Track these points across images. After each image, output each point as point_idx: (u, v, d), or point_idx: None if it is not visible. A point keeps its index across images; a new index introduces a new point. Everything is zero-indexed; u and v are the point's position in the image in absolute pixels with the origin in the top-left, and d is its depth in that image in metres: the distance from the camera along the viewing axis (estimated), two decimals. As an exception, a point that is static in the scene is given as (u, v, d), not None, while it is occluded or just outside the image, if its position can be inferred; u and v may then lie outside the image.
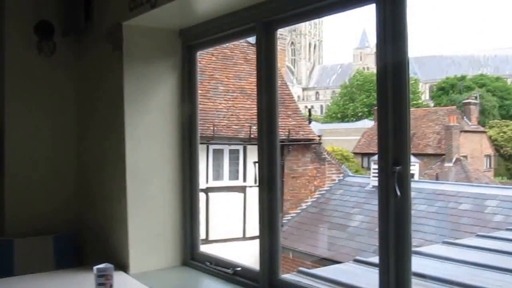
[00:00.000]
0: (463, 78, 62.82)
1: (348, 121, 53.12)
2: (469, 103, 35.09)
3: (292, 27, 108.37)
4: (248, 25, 3.45)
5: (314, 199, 16.67)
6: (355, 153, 32.64)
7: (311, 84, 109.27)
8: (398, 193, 2.47)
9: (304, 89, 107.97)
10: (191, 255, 4.09)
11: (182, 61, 4.13)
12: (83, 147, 4.59)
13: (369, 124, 39.05)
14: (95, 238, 4.33)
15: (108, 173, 4.18)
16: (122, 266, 3.79)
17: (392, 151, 2.51)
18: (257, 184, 3.46)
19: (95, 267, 3.08)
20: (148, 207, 3.95)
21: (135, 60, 3.91)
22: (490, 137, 37.57)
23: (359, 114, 56.08)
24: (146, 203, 3.94)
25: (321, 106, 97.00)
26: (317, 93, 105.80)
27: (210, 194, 14.85)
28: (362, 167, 31.59)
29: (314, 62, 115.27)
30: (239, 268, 3.55)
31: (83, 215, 4.52)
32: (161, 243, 4.02)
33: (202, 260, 3.94)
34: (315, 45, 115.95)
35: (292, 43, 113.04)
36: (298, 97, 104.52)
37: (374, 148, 30.93)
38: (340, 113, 58.49)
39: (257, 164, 3.45)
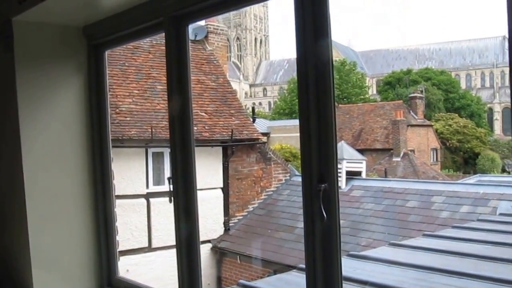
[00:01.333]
0: (409, 72, 63.89)
1: (296, 117, 52.61)
2: (415, 97, 35.58)
3: (237, 21, 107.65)
4: (156, 20, 3.17)
5: (261, 201, 16.29)
6: (304, 150, 32.40)
7: (258, 81, 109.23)
8: (325, 215, 2.28)
9: (251, 86, 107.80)
10: (108, 281, 3.77)
11: (88, 62, 3.76)
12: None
13: (317, 120, 38.93)
14: (2, 264, 3.93)
15: (6, 195, 3.83)
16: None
17: (317, 166, 2.31)
18: (172, 202, 3.23)
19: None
20: (53, 229, 3.58)
21: (30, 62, 3.50)
22: (436, 130, 38.16)
23: (308, 109, 55.83)
24: (51, 225, 3.57)
25: (269, 102, 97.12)
26: (264, 89, 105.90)
27: (151, 199, 14.19)
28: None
29: (260, 57, 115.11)
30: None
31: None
32: (73, 268, 3.69)
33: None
34: (261, 40, 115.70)
35: (238, 38, 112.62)
36: (246, 93, 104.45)
37: (323, 145, 30.91)
38: (288, 109, 58.37)
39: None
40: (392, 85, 61.58)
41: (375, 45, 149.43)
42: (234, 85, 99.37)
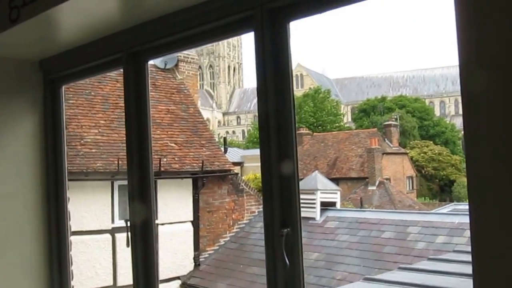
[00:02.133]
0: (383, 99, 64.42)
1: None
2: (390, 125, 35.62)
3: (210, 49, 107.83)
4: (115, 56, 3.14)
5: (233, 234, 15.83)
6: (278, 179, 32.06)
7: (231, 109, 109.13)
8: (287, 262, 2.19)
9: (224, 114, 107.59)
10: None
11: (44, 97, 3.70)
12: None
13: (292, 149, 38.79)
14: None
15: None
16: None
17: (279, 210, 2.24)
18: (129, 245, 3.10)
19: None
20: (4, 272, 3.41)
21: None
22: (411, 158, 38.19)
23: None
24: (1, 267, 3.42)
25: (243, 131, 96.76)
26: (238, 117, 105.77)
27: (117, 235, 13.61)
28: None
29: (234, 85, 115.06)
30: None
31: None
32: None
33: None
34: (234, 68, 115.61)
35: (211, 66, 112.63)
36: (219, 122, 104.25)
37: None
38: (262, 138, 57.89)
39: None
40: (367, 113, 62.00)
41: (350, 73, 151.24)
42: (207, 114, 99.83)
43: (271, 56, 2.23)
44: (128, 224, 3.09)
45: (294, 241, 2.22)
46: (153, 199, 3.04)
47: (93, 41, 3.14)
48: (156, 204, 14.47)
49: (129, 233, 3.05)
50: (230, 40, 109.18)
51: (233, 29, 2.49)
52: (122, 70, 3.14)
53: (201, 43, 2.81)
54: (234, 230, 15.95)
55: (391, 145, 33.57)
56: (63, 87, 3.73)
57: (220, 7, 2.40)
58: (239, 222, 16.11)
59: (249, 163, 37.61)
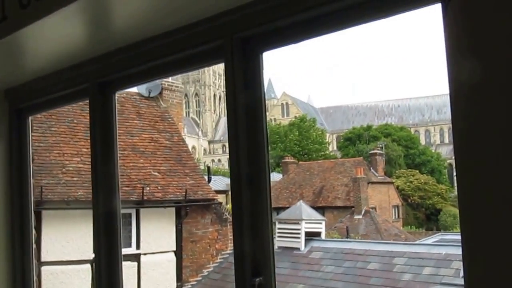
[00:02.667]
0: (369, 128, 64.70)
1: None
2: (375, 154, 35.68)
3: (196, 77, 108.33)
4: (82, 86, 3.02)
5: (216, 264, 15.55)
6: (264, 208, 31.87)
7: (217, 137, 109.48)
8: None
9: (210, 142, 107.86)
10: None
11: (9, 128, 3.57)
12: None
13: (277, 177, 38.65)
14: None
15: None
16: None
17: (251, 257, 2.09)
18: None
19: None
20: None
21: None
22: (397, 187, 38.20)
23: (267, 166, 55.80)
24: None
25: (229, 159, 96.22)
26: (223, 145, 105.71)
27: (97, 265, 13.29)
28: (272, 222, 30.96)
29: (219, 113, 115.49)
30: None
31: None
32: None
33: None
34: (220, 96, 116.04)
35: (197, 94, 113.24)
36: (205, 150, 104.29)
37: (283, 202, 30.56)
38: (247, 166, 57.80)
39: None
40: (353, 141, 62.21)
41: (335, 101, 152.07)
42: (193, 141, 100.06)
43: (242, 87, 2.14)
44: (93, 261, 2.96)
45: None
46: (119, 233, 2.89)
47: (60, 70, 3.04)
48: (139, 234, 14.40)
49: (94, 271, 2.91)
50: (215, 68, 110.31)
51: (204, 59, 2.38)
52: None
53: (171, 73, 2.74)
54: (218, 260, 15.69)
55: (377, 174, 33.58)
56: (30, 118, 3.61)
57: (190, 36, 2.30)
58: (222, 252, 15.87)
59: (234, 191, 37.34)
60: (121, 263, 2.94)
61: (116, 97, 2.90)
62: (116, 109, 2.91)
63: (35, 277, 3.55)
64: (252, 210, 2.13)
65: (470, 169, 1.38)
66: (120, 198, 2.91)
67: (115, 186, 2.90)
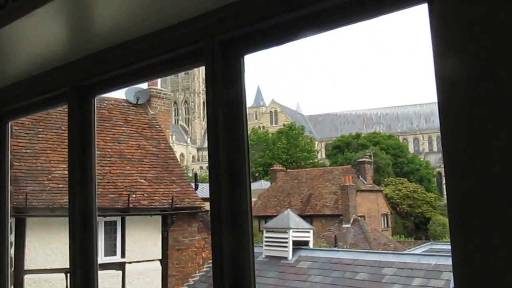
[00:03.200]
0: (357, 136, 64.92)
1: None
2: (364, 162, 35.67)
3: (185, 84, 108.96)
4: (60, 90, 2.91)
5: (203, 273, 15.39)
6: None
7: (206, 144, 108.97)
8: None
9: (199, 149, 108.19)
10: None
11: None
12: None
13: (265, 185, 38.57)
14: None
15: None
16: None
17: (230, 270, 1.99)
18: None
19: None
20: None
21: None
22: (386, 195, 38.17)
23: (255, 174, 55.89)
24: None
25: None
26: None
27: (81, 274, 13.06)
28: (260, 231, 30.70)
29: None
30: None
31: None
32: None
33: None
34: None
35: (186, 101, 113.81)
36: (193, 157, 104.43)
37: (271, 211, 30.44)
38: (235, 173, 57.71)
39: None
40: (341, 149, 62.37)
41: (324, 109, 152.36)
42: (182, 149, 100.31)
43: (222, 92, 2.05)
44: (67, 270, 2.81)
45: None
46: (95, 242, 2.79)
47: (39, 74, 2.95)
48: (124, 242, 14.20)
49: (68, 281, 2.81)
50: (205, 76, 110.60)
51: (184, 62, 2.30)
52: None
53: (151, 77, 2.64)
54: (204, 269, 15.53)
55: (366, 182, 33.54)
56: (10, 123, 3.50)
57: (170, 39, 2.21)
58: (209, 261, 15.67)
59: (222, 199, 37.28)
60: (97, 272, 2.82)
61: (97, 102, 2.81)
62: (95, 114, 2.84)
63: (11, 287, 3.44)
64: (232, 216, 2.04)
65: (459, 172, 1.34)
66: (97, 205, 2.84)
67: (92, 193, 2.82)
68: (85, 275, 2.76)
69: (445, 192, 1.41)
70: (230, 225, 2.02)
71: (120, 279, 14.10)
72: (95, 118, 2.83)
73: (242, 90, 2.03)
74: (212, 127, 2.05)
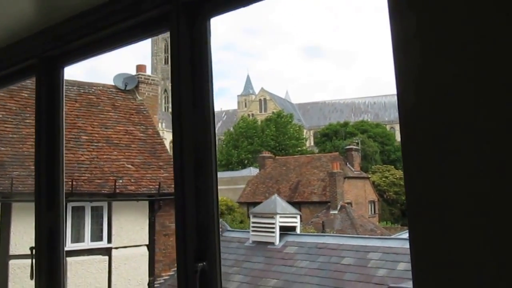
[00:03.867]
0: (345, 124, 65.08)
1: (233, 169, 52.74)
2: (351, 149, 35.71)
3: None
4: (28, 62, 2.86)
5: (190, 258, 15.26)
6: (241, 203, 31.79)
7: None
8: None
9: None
10: None
11: None
12: None
13: (254, 172, 38.58)
14: None
15: None
16: None
17: (195, 239, 1.97)
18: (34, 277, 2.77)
19: None
20: None
21: None
22: (373, 182, 38.31)
23: (245, 161, 56.01)
24: None
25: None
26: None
27: (68, 259, 13.02)
28: (248, 217, 30.80)
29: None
30: None
31: None
32: None
33: None
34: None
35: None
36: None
37: (260, 197, 30.45)
38: (225, 160, 57.98)
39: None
40: (329, 137, 62.63)
41: (312, 98, 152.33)
42: (171, 136, 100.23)
43: (188, 57, 1.99)
44: (33, 252, 2.81)
45: (212, 277, 1.96)
46: (62, 224, 2.73)
47: (5, 46, 2.90)
48: (110, 227, 14.17)
49: (33, 263, 2.79)
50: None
51: (150, 28, 2.26)
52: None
53: (117, 45, 2.53)
54: (192, 255, 15.51)
55: (353, 169, 33.61)
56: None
57: (134, 4, 2.17)
58: (196, 247, 15.70)
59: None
60: (64, 257, 2.80)
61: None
62: (64, 86, 2.76)
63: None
64: (196, 189, 2.01)
65: (416, 168, 1.32)
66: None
67: (60, 174, 2.78)
68: (51, 264, 2.76)
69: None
70: (194, 198, 2.01)
71: (107, 265, 14.09)
72: (64, 90, 2.78)
73: (208, 55, 1.98)
74: (176, 97, 2.03)
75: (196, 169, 2.00)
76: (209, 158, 2.00)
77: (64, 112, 2.77)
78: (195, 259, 1.96)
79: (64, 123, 2.76)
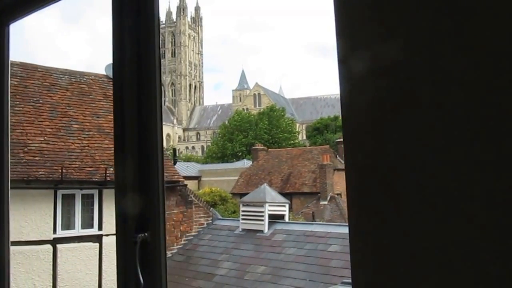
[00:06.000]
0: (336, 118, 65.34)
1: (227, 161, 53.07)
2: (341, 142, 35.68)
3: (172, 67, 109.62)
4: None
5: (181, 246, 15.51)
6: (234, 194, 32.03)
7: (191, 125, 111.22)
8: (141, 280, 1.69)
9: (185, 130, 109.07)
10: None
11: None
12: None
13: (247, 164, 38.82)
14: None
15: None
16: None
17: (135, 204, 1.82)
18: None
19: None
20: None
21: None
22: (363, 174, 38.42)
23: (239, 154, 56.41)
24: None
25: (202, 146, 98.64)
26: (198, 133, 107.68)
27: (58, 246, 13.18)
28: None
29: (194, 103, 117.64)
30: None
31: None
32: None
33: None
34: (195, 86, 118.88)
35: (173, 83, 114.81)
36: (179, 137, 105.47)
37: (252, 188, 30.56)
38: (220, 153, 58.47)
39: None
40: (320, 131, 62.96)
41: (305, 93, 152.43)
42: (168, 129, 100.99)
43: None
44: None
45: (154, 250, 1.78)
46: (6, 213, 2.57)
47: None
48: (101, 215, 14.27)
49: None
50: (191, 59, 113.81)
51: None
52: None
53: None
54: (182, 242, 15.64)
55: (343, 162, 33.77)
56: None
57: None
58: (187, 234, 15.82)
59: (206, 177, 37.60)
60: (8, 248, 2.70)
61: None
62: (10, 46, 2.46)
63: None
64: (140, 154, 1.94)
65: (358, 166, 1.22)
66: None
67: (4, 154, 2.60)
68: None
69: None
70: (137, 159, 1.96)
71: (97, 251, 14.15)
72: (9, 51, 2.46)
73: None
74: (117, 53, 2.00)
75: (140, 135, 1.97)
76: (153, 132, 1.97)
77: (9, 78, 2.47)
78: (136, 229, 1.81)
79: (9, 89, 2.47)
